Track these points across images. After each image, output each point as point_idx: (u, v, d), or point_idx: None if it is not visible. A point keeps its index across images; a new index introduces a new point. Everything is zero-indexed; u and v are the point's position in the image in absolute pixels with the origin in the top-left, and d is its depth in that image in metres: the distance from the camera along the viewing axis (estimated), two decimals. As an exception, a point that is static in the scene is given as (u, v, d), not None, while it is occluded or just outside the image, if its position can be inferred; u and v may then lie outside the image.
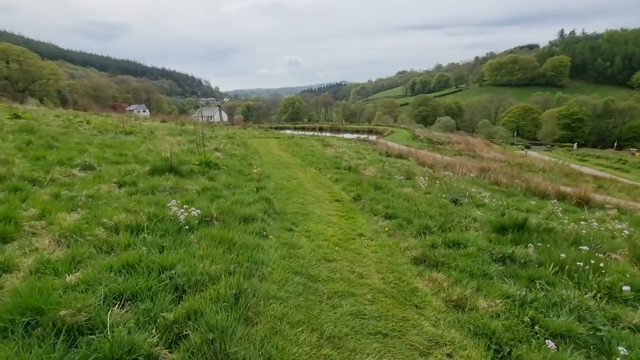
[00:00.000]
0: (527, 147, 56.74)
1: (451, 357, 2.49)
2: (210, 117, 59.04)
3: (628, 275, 3.71)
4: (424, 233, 4.91)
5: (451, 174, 12.10)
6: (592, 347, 2.62)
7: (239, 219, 4.60)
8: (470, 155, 27.48)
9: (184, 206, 4.25)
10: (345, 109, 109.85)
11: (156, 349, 2.12)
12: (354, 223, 5.52)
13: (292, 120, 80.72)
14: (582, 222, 5.80)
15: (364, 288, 3.38)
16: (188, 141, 12.11)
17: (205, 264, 3.03)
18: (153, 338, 2.16)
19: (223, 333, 2.23)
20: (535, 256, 4.21)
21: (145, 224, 3.73)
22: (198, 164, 7.73)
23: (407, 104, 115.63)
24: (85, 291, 2.50)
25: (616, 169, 31.86)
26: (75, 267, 2.90)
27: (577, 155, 45.71)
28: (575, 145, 59.59)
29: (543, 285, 3.41)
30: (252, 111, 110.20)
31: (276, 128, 45.28)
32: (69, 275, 2.75)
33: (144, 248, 3.22)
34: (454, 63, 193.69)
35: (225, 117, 73.16)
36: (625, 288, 3.32)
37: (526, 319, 2.80)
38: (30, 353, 1.91)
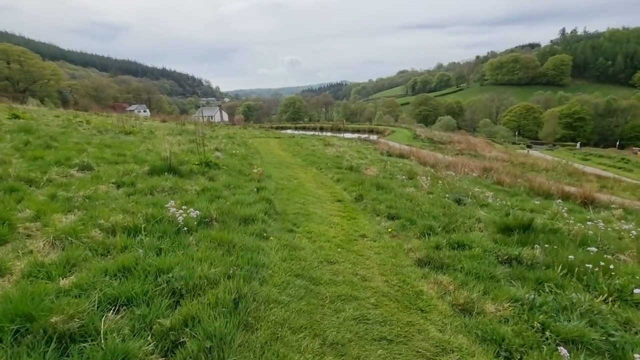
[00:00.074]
0: (529, 147, 56.56)
1: (459, 364, 2.39)
2: (211, 117, 58.99)
3: (638, 278, 3.61)
4: (427, 234, 4.81)
5: (453, 173, 11.99)
6: (605, 353, 2.52)
7: (239, 220, 4.50)
8: (472, 154, 27.33)
9: (183, 207, 4.16)
10: (345, 108, 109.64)
11: (151, 357, 2.03)
12: (356, 224, 5.42)
13: (293, 120, 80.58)
14: (589, 223, 5.71)
15: (368, 291, 3.29)
16: (188, 141, 12.02)
17: (203, 267, 2.93)
18: (148, 346, 2.07)
19: (221, 340, 2.14)
20: (542, 258, 4.11)
21: (143, 225, 3.64)
22: (198, 164, 7.63)
23: (407, 103, 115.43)
24: (79, 296, 2.41)
25: (619, 168, 31.68)
26: (70, 271, 2.81)
27: (580, 154, 45.49)
28: (578, 144, 59.34)
29: (552, 288, 3.31)
30: (253, 111, 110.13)
31: (277, 128, 45.18)
32: (62, 279, 2.66)
33: (140, 250, 3.12)
34: (455, 62, 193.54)
35: (225, 117, 73.08)
36: (637, 291, 3.21)
37: (536, 324, 2.70)
38: (19, 363, 1.82)
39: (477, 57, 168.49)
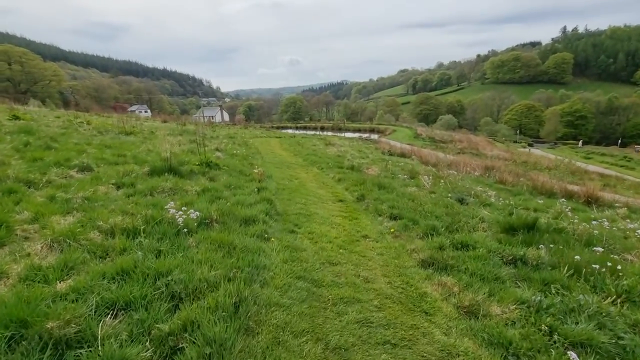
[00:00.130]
0: (530, 145, 56.35)
1: (465, 368, 2.33)
2: (212, 117, 58.94)
3: (646, 278, 3.54)
4: (430, 234, 4.75)
5: (455, 172, 11.92)
6: (616, 357, 2.46)
7: (240, 221, 4.45)
8: (473, 153, 27.23)
9: (183, 208, 4.10)
10: (346, 108, 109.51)
11: (150, 363, 1.98)
12: (358, 224, 5.37)
13: (294, 120, 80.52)
14: (594, 222, 5.63)
15: (371, 293, 3.23)
16: (189, 141, 11.97)
17: (203, 269, 2.88)
18: (146, 352, 2.02)
19: (221, 346, 2.09)
20: (548, 258, 4.05)
21: (142, 227, 3.59)
22: (198, 164, 7.59)
23: (408, 102, 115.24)
24: (76, 300, 2.36)
25: (621, 166, 31.53)
26: (67, 274, 2.76)
27: (582, 153, 45.32)
28: (580, 142, 59.11)
29: (558, 290, 3.25)
30: (254, 111, 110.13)
31: (278, 127, 45.13)
32: (60, 282, 2.61)
33: (139, 253, 3.07)
34: (455, 61, 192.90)
35: (226, 117, 73.07)
36: (646, 292, 3.15)
37: (544, 327, 2.64)
38: (13, 370, 1.77)
39: (478, 55, 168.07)
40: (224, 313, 2.38)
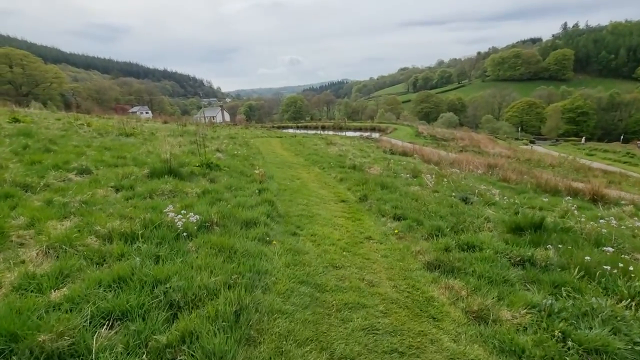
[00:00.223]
0: (532, 142, 56.08)
1: (476, 378, 2.24)
2: (213, 117, 58.89)
3: (660, 280, 3.43)
4: (435, 235, 4.65)
5: (458, 171, 11.80)
6: (633, 364, 2.35)
7: (241, 224, 4.36)
8: (475, 151, 27.05)
9: (182, 211, 4.02)
10: (347, 107, 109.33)
11: (146, 378, 1.88)
12: (361, 225, 5.27)
13: (295, 119, 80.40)
14: (601, 221, 5.51)
15: (376, 298, 3.13)
16: (189, 142, 11.89)
17: (203, 275, 2.79)
18: (143, 365, 1.93)
19: (221, 359, 1.99)
20: (556, 259, 3.94)
21: (141, 231, 3.50)
22: (199, 166, 7.50)
23: (409, 100, 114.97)
24: (71, 310, 2.27)
25: (624, 162, 31.29)
26: (63, 282, 2.68)
27: (585, 149, 45.06)
28: (583, 139, 58.75)
29: (570, 293, 3.14)
30: (254, 111, 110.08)
31: (278, 127, 45.01)
32: (54, 291, 2.53)
33: (137, 259, 2.98)
34: (456, 59, 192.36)
35: (227, 117, 73.02)
36: (661, 294, 3.05)
37: (557, 333, 2.53)
38: (3, 387, 1.68)
39: (479, 53, 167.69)
40: (224, 323, 2.28)
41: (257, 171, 7.69)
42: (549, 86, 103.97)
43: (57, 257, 3.06)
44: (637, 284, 3.29)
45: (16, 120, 12.39)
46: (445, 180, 8.86)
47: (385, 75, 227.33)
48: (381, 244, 4.54)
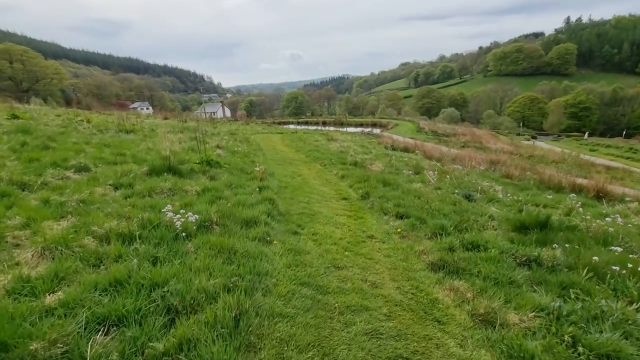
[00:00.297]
0: (534, 138, 55.78)
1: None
2: (213, 113, 58.64)
3: (670, 281, 3.34)
4: (439, 234, 4.57)
5: (460, 167, 11.71)
6: (646, 371, 2.28)
7: (241, 223, 4.28)
8: (477, 147, 26.89)
9: (181, 210, 3.94)
10: (348, 102, 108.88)
11: (142, 388, 1.82)
12: (364, 223, 5.19)
13: (295, 115, 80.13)
14: (607, 219, 5.42)
15: (379, 300, 3.06)
16: (189, 138, 11.79)
17: (202, 278, 2.71)
18: (139, 375, 1.86)
19: (220, 368, 1.92)
20: (563, 259, 3.86)
21: (139, 232, 3.42)
22: (199, 163, 7.42)
23: (410, 96, 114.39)
24: (65, 316, 2.20)
25: (627, 158, 31.07)
26: (58, 285, 2.61)
27: (587, 145, 44.80)
28: (586, 134, 58.42)
29: (578, 295, 3.06)
30: (255, 106, 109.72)
31: (279, 123, 44.83)
32: (49, 295, 2.46)
33: (135, 260, 2.91)
34: (457, 53, 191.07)
35: (228, 113, 72.77)
36: (672, 297, 2.96)
37: (567, 337, 2.45)
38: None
39: (480, 47, 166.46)
40: (223, 329, 2.21)
41: (257, 168, 7.60)
42: (552, 81, 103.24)
43: (53, 258, 2.99)
44: (646, 285, 3.21)
45: (15, 117, 12.30)
46: (447, 176, 8.77)
47: (386, 70, 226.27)
48: (384, 243, 4.46)
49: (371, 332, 2.60)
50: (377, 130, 35.60)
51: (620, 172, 17.77)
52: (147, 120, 21.01)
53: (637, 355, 2.36)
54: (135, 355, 1.98)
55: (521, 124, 70.08)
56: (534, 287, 3.31)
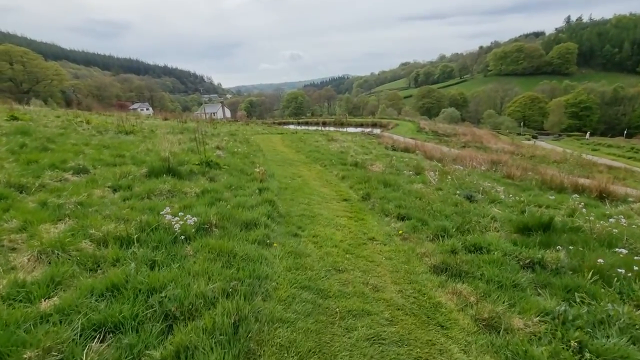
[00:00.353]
0: (535, 137, 55.68)
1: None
2: (213, 113, 58.64)
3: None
4: (441, 236, 4.51)
5: (461, 167, 11.66)
6: (655, 378, 2.23)
7: (241, 225, 4.24)
8: (478, 147, 26.82)
9: (180, 213, 3.89)
10: (348, 102, 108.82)
11: (139, 397, 1.77)
12: (364, 225, 5.14)
13: (295, 115, 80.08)
14: (611, 220, 5.37)
15: (381, 304, 3.01)
16: (189, 139, 11.74)
17: (200, 283, 2.66)
18: (135, 384, 1.81)
19: (218, 377, 1.87)
20: (567, 261, 3.80)
21: (137, 235, 3.37)
22: (198, 164, 7.37)
23: (410, 96, 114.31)
24: (60, 322, 2.15)
25: (629, 158, 31.00)
26: (54, 290, 2.56)
27: (589, 144, 44.69)
28: (587, 134, 58.29)
29: (583, 298, 3.00)
30: (255, 107, 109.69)
31: (279, 123, 44.78)
32: (44, 300, 2.41)
33: (132, 264, 2.86)
34: (457, 53, 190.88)
35: (228, 113, 72.75)
36: (679, 300, 2.91)
37: (573, 343, 2.40)
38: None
39: (481, 47, 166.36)
40: (221, 336, 2.16)
41: (257, 169, 7.56)
42: (552, 80, 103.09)
43: (49, 263, 2.94)
44: (653, 288, 3.16)
45: (14, 118, 12.27)
46: (448, 177, 8.72)
47: (386, 70, 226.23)
48: (385, 245, 4.41)
49: (373, 337, 2.55)
50: (377, 131, 35.55)
51: (622, 172, 17.70)
52: (147, 121, 20.98)
53: (645, 361, 2.31)
54: (132, 364, 1.94)
55: (522, 124, 69.98)
56: (538, 290, 3.26)
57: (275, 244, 3.98)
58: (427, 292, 3.24)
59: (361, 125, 46.29)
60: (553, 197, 7.78)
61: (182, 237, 3.55)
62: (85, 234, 3.46)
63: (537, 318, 2.71)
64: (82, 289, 2.51)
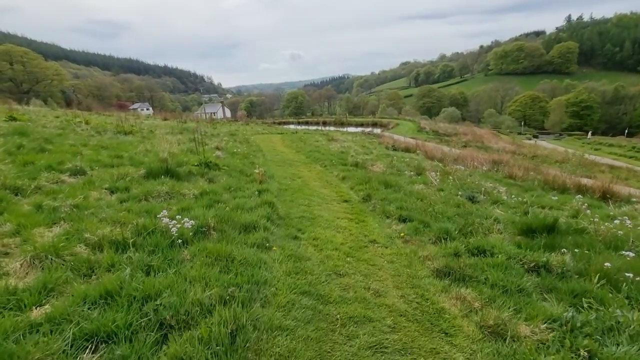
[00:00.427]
0: (535, 137, 55.57)
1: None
2: (214, 113, 58.55)
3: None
4: (444, 238, 4.43)
5: (463, 167, 11.57)
6: (668, 389, 2.14)
7: (239, 228, 4.16)
8: (479, 146, 26.73)
9: (177, 216, 3.80)
10: (348, 102, 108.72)
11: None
12: (365, 227, 5.05)
13: (296, 115, 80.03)
14: (615, 221, 5.28)
15: (383, 310, 2.93)
16: (189, 140, 11.67)
17: (197, 289, 2.58)
18: (127, 399, 1.73)
19: (214, 391, 1.79)
20: (573, 264, 3.73)
21: (132, 240, 3.29)
22: (197, 165, 7.29)
23: (411, 95, 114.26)
24: (51, 332, 2.07)
25: (630, 157, 30.88)
26: (46, 297, 2.48)
27: (590, 144, 44.56)
28: (589, 133, 58.12)
29: (591, 304, 2.92)
30: (255, 107, 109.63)
31: (279, 123, 44.69)
32: (36, 308, 2.34)
33: (128, 270, 2.78)
34: (458, 52, 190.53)
35: (228, 113, 72.66)
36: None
37: (583, 352, 2.32)
38: None
39: (481, 46, 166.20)
40: (218, 347, 2.08)
41: (257, 170, 7.48)
42: (553, 80, 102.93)
43: (43, 268, 2.86)
44: (661, 292, 3.08)
45: (12, 119, 12.20)
46: (450, 177, 8.63)
47: (386, 69, 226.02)
48: (386, 248, 4.33)
49: (375, 345, 2.47)
50: (377, 130, 35.45)
51: (624, 171, 17.60)
52: (147, 121, 20.91)
53: (658, 371, 2.23)
54: (124, 377, 1.86)
55: (522, 123, 69.85)
56: (544, 295, 3.18)
57: (274, 247, 3.90)
58: (430, 297, 3.16)
59: (361, 124, 46.22)
60: (556, 198, 7.70)
61: (180, 240, 3.47)
62: (80, 238, 3.38)
63: (545, 325, 2.63)
64: (75, 296, 2.43)
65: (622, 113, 79.04)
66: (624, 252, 3.89)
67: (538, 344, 2.47)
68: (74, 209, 4.15)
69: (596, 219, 5.25)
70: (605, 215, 6.25)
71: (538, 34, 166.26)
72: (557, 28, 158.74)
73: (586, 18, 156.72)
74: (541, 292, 3.24)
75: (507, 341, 2.51)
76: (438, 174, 8.91)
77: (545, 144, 39.55)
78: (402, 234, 4.71)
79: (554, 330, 2.58)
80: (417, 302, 3.09)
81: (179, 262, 3.09)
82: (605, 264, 3.46)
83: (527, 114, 79.11)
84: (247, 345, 2.23)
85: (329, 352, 2.36)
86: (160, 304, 2.36)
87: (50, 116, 16.95)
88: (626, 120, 75.66)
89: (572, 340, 2.46)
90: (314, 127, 33.75)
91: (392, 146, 18.57)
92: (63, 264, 2.91)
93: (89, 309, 2.32)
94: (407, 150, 17.44)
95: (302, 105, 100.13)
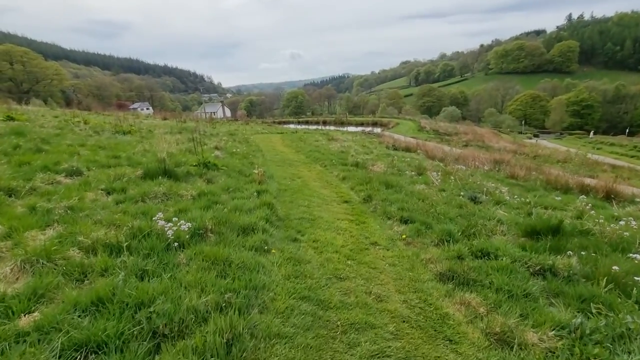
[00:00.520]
0: (536, 136, 55.47)
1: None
2: (213, 113, 58.41)
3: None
4: (446, 240, 4.33)
5: (464, 167, 11.46)
6: (684, 401, 2.05)
7: (238, 230, 4.06)
8: (479, 146, 26.62)
9: (174, 218, 3.72)
10: (348, 101, 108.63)
11: None
12: (366, 229, 4.96)
13: (296, 115, 79.94)
14: (621, 222, 5.18)
15: (385, 316, 2.83)
16: (188, 139, 11.56)
17: (192, 295, 2.49)
18: (116, 414, 1.64)
19: (208, 407, 1.70)
20: (579, 267, 3.63)
21: (127, 243, 3.20)
22: (196, 165, 7.20)
23: (411, 94, 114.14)
24: (39, 342, 1.98)
25: (632, 156, 30.76)
26: (36, 304, 2.39)
27: (591, 143, 44.42)
28: (591, 132, 58.00)
29: (600, 309, 2.83)
30: (255, 106, 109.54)
31: (279, 123, 44.61)
32: (25, 316, 2.24)
33: (121, 275, 2.69)
34: (458, 52, 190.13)
35: (228, 112, 72.51)
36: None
37: (593, 361, 2.23)
38: None
39: (481, 45, 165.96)
40: (212, 358, 1.98)
41: (256, 170, 7.38)
42: (553, 79, 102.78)
43: (34, 273, 2.77)
44: (672, 297, 2.98)
45: (10, 119, 12.12)
46: (451, 177, 8.52)
47: (386, 69, 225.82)
48: (388, 250, 4.23)
49: (377, 353, 2.38)
50: (377, 130, 35.38)
51: (626, 171, 17.47)
52: (146, 120, 20.83)
53: (672, 381, 2.14)
54: (114, 390, 1.77)
55: (523, 122, 69.74)
56: (551, 300, 3.08)
57: (273, 250, 3.81)
58: (433, 302, 3.06)
59: (362, 124, 46.14)
60: (559, 198, 7.60)
61: (176, 243, 3.38)
62: (74, 241, 3.29)
63: (553, 332, 2.54)
64: (65, 303, 2.34)
65: (622, 112, 78.90)
66: (631, 254, 3.80)
67: (547, 352, 2.37)
68: (69, 211, 4.06)
69: (601, 220, 5.15)
70: (610, 215, 6.14)
71: (539, 32, 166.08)
72: (557, 27, 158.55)
73: (587, 17, 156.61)
74: (548, 296, 3.14)
75: (514, 349, 2.42)
76: (439, 174, 8.81)
77: (547, 144, 39.43)
78: (403, 236, 4.62)
79: (562, 338, 2.49)
80: (420, 308, 2.99)
81: (175, 267, 2.99)
82: (613, 267, 3.37)
83: (528, 113, 79.01)
84: (244, 355, 2.14)
85: (329, 361, 2.27)
86: (154, 312, 2.26)
87: (49, 116, 16.87)
88: (627, 120, 75.53)
89: (582, 349, 2.37)
90: (314, 127, 33.63)
91: (393, 146, 18.47)
92: (55, 269, 2.82)
93: (79, 316, 2.23)
94: (407, 149, 17.33)
95: (302, 104, 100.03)
